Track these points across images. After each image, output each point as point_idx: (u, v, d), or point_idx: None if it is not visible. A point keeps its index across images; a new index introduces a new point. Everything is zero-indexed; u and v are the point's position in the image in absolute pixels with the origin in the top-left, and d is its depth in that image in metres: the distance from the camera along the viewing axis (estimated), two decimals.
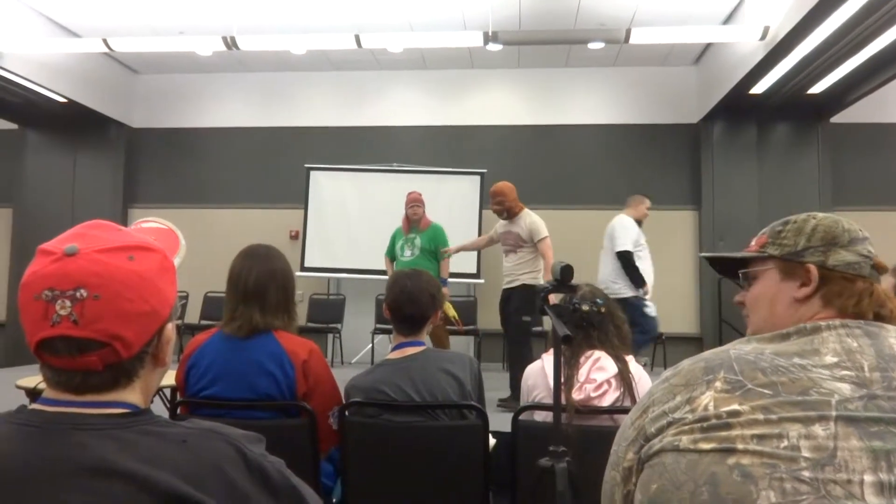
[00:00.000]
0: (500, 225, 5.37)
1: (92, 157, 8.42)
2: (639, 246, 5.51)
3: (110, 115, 8.26)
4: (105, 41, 6.68)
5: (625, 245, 5.43)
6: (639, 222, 5.68)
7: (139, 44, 6.86)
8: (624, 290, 5.40)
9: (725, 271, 1.27)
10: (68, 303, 0.81)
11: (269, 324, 2.06)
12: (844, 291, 1.00)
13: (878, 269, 1.03)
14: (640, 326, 5.31)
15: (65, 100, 7.51)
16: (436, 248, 5.73)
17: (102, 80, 8.10)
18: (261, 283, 2.08)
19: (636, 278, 5.42)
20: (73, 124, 8.21)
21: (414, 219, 5.79)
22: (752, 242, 1.14)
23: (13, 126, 8.42)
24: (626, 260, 5.41)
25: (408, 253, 5.74)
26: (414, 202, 5.81)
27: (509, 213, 5.14)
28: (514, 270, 5.16)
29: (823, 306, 1.00)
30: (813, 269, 1.02)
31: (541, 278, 5.09)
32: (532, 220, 5.12)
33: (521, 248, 5.14)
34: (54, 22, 7.16)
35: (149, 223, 1.12)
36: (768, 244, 1.09)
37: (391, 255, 5.96)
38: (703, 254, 1.27)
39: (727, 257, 1.20)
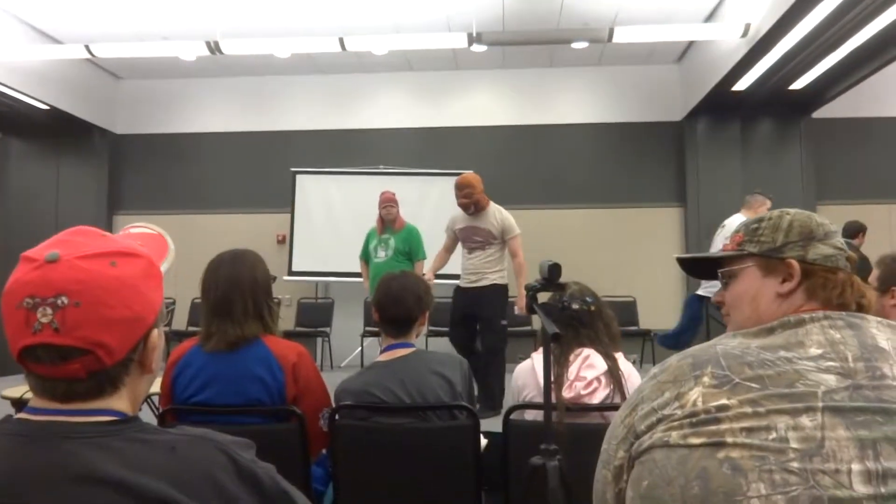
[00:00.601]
0: (458, 220, 4.97)
1: (76, 165, 8.35)
2: None
3: (94, 122, 8.19)
4: (87, 47, 6.63)
5: None
6: None
7: (122, 49, 6.80)
8: None
9: (701, 272, 1.28)
10: (49, 310, 0.80)
11: (245, 333, 2.02)
12: (828, 283, 1.01)
13: (850, 262, 1.05)
14: None
15: (47, 107, 7.43)
16: (410, 249, 5.56)
17: (85, 87, 8.03)
18: (226, 294, 2.03)
19: None
20: (56, 131, 8.13)
21: (388, 219, 5.60)
22: (728, 242, 1.15)
23: None
24: None
25: (381, 254, 5.56)
26: (387, 202, 5.60)
27: (476, 207, 4.77)
28: (481, 268, 4.78)
29: (807, 299, 1.01)
30: (794, 263, 1.03)
31: (506, 277, 4.84)
32: (504, 215, 4.79)
33: (490, 245, 4.77)
34: (35, 28, 7.08)
35: (138, 228, 1.11)
36: (745, 242, 1.10)
37: (366, 257, 5.76)
38: (678, 255, 1.28)
39: (704, 257, 1.21)
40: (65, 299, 0.80)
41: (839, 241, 1.06)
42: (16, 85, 6.88)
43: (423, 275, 4.76)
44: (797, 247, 1.04)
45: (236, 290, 2.03)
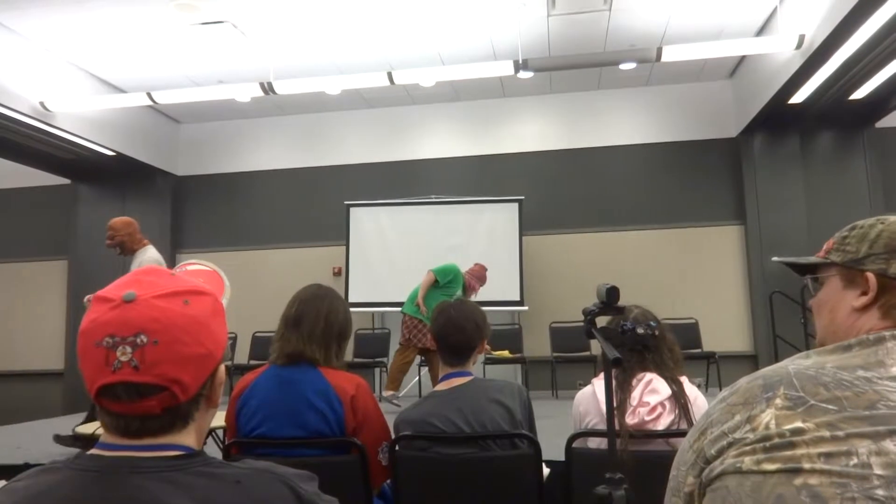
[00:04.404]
0: None
1: (140, 206, 8.68)
2: None
3: (156, 165, 8.55)
4: (149, 94, 6.94)
5: None
6: None
7: (181, 95, 7.09)
8: None
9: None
10: (129, 349, 0.82)
11: (304, 350, 2.08)
12: None
13: None
14: None
15: (113, 153, 7.80)
16: None
17: (147, 132, 8.40)
18: (303, 314, 2.14)
19: None
20: (121, 176, 8.52)
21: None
22: (824, 247, 1.11)
23: (65, 181, 8.79)
24: None
25: None
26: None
27: (123, 250, 4.72)
28: None
29: (882, 317, 0.95)
30: (871, 277, 0.97)
31: None
32: (141, 260, 4.63)
33: None
34: (99, 79, 7.47)
35: (193, 265, 1.14)
36: (833, 250, 1.05)
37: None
38: (776, 258, 1.23)
39: (795, 262, 1.17)
40: (144, 338, 0.83)
41: None
42: (83, 133, 7.24)
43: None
44: (880, 259, 0.97)
45: (313, 312, 2.14)
